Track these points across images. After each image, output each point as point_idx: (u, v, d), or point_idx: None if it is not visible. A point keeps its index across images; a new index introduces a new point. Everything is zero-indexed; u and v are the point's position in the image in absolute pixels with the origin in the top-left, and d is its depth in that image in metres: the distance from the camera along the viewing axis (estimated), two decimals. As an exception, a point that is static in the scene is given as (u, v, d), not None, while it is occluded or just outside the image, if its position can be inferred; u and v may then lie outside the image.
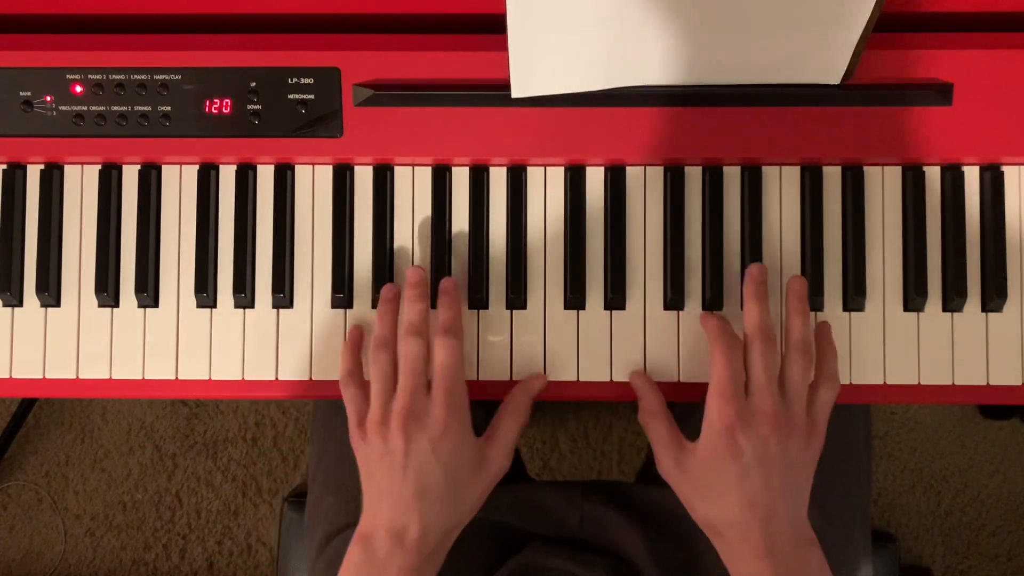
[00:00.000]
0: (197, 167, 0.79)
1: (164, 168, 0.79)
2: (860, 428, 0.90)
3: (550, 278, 0.78)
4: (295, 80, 0.76)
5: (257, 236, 0.79)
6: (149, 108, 0.77)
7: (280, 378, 0.78)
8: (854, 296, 0.77)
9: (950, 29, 0.76)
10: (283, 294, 0.78)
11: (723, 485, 0.70)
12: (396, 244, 0.79)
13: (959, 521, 1.57)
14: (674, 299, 0.77)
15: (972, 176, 0.78)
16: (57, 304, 0.79)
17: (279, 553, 1.05)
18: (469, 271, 0.78)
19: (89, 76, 0.77)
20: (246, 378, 0.78)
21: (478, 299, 0.78)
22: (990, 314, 0.77)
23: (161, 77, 0.77)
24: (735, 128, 0.76)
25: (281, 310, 0.79)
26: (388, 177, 0.79)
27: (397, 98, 0.76)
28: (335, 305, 0.78)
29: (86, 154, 0.79)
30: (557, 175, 0.79)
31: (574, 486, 0.91)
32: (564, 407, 1.59)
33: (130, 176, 0.79)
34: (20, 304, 0.79)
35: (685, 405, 0.79)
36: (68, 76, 0.77)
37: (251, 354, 0.79)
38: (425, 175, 0.79)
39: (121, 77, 0.77)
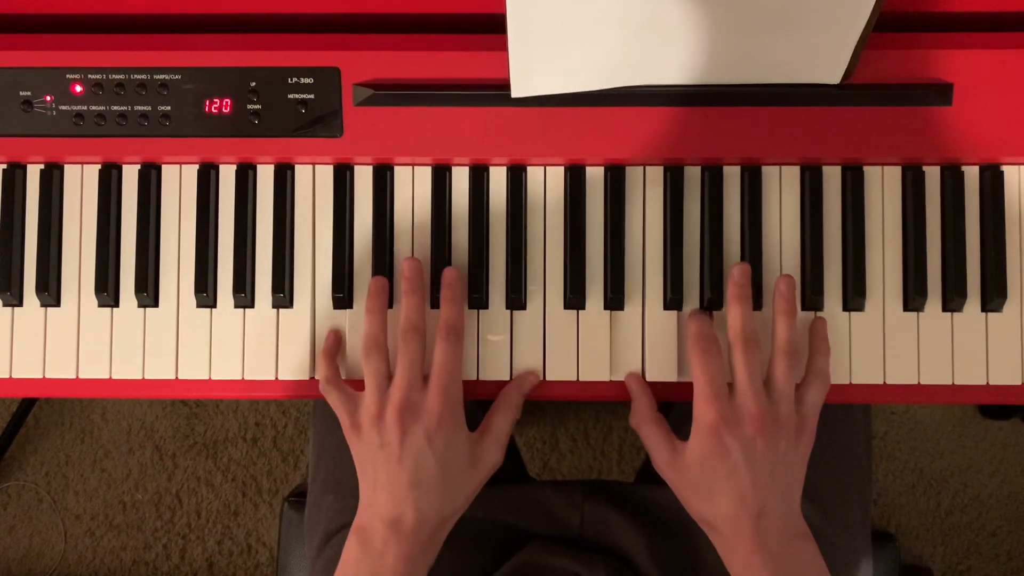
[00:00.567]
0: (197, 167, 0.79)
1: (164, 168, 0.79)
2: (860, 428, 0.90)
3: (550, 278, 0.78)
4: (295, 80, 0.76)
5: (257, 236, 0.79)
6: (149, 108, 0.77)
7: (280, 378, 0.78)
8: (854, 296, 0.77)
9: (950, 29, 0.76)
10: (283, 294, 0.78)
11: (714, 483, 0.71)
12: (396, 244, 0.79)
13: (959, 521, 1.57)
14: (674, 299, 0.77)
15: (972, 176, 0.78)
16: (57, 304, 0.79)
17: (279, 553, 1.05)
18: (469, 271, 0.78)
19: (89, 76, 0.77)
20: (246, 378, 0.79)
21: (478, 299, 0.78)
22: (990, 314, 0.77)
23: (161, 77, 0.77)
24: (735, 128, 0.76)
25: (281, 310, 0.79)
26: (388, 177, 0.79)
27: (397, 98, 0.76)
28: (335, 305, 0.78)
29: (86, 154, 0.79)
30: (557, 175, 0.79)
31: (574, 486, 0.91)
32: (564, 407, 1.59)
33: (130, 176, 0.79)
34: (20, 304, 0.79)
35: (685, 405, 0.79)
36: (68, 76, 0.77)
37: (251, 354, 0.79)
38: (425, 175, 0.79)
39: (121, 77, 0.77)
